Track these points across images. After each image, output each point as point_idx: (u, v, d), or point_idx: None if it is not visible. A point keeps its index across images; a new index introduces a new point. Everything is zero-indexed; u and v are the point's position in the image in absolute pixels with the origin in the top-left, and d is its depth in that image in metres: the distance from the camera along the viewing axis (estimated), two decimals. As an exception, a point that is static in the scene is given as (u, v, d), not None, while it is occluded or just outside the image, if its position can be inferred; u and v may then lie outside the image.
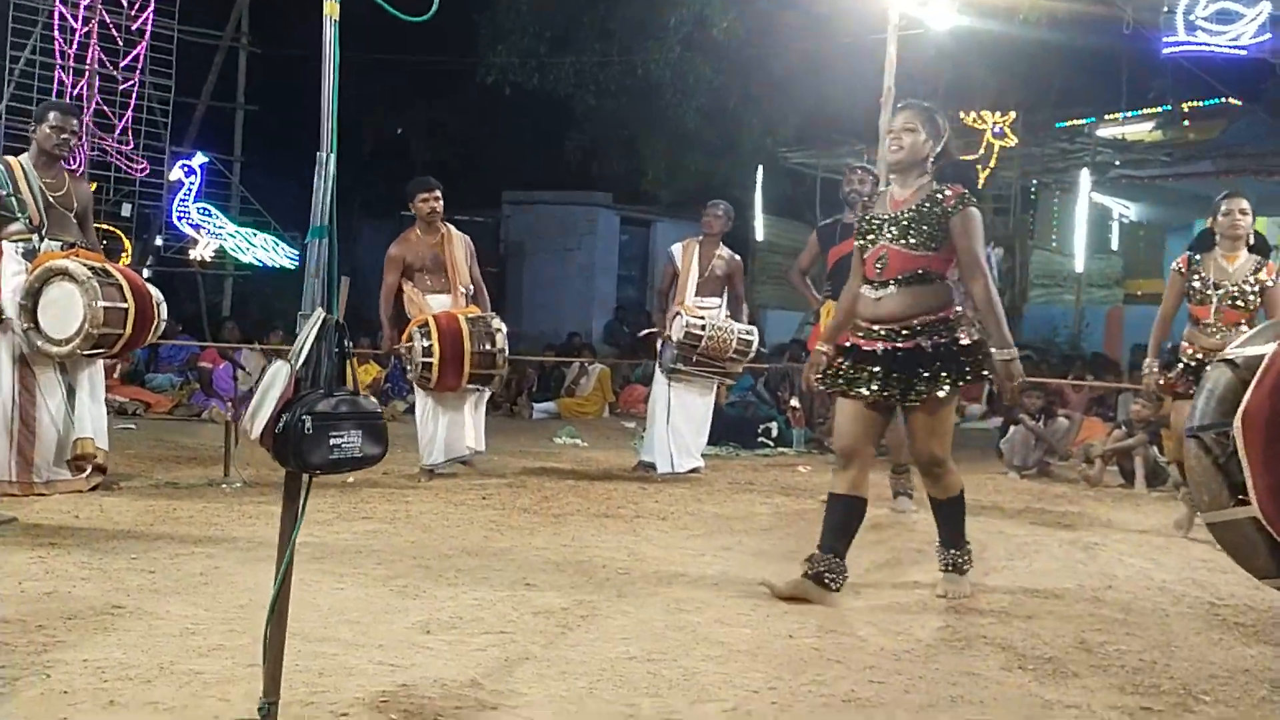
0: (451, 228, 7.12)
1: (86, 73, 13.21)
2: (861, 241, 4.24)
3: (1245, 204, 5.67)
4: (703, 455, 7.84)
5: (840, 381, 4.20)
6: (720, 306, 7.54)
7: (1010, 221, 16.68)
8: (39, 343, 5.37)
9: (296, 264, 17.49)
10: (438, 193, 7.01)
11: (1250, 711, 3.07)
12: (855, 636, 3.66)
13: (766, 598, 4.15)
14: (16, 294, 5.37)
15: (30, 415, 5.43)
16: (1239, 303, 5.59)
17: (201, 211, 15.43)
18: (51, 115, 5.69)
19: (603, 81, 17.71)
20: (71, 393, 5.62)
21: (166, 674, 2.89)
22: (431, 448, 6.88)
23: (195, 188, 15.10)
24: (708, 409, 7.72)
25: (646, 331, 8.32)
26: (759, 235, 18.49)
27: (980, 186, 13.74)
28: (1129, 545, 5.65)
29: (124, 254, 14.01)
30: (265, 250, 16.86)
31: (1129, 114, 17.26)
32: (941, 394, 4.04)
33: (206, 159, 15.49)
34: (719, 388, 10.24)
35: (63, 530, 4.74)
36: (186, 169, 14.90)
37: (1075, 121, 17.17)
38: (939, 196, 4.08)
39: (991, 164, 15.84)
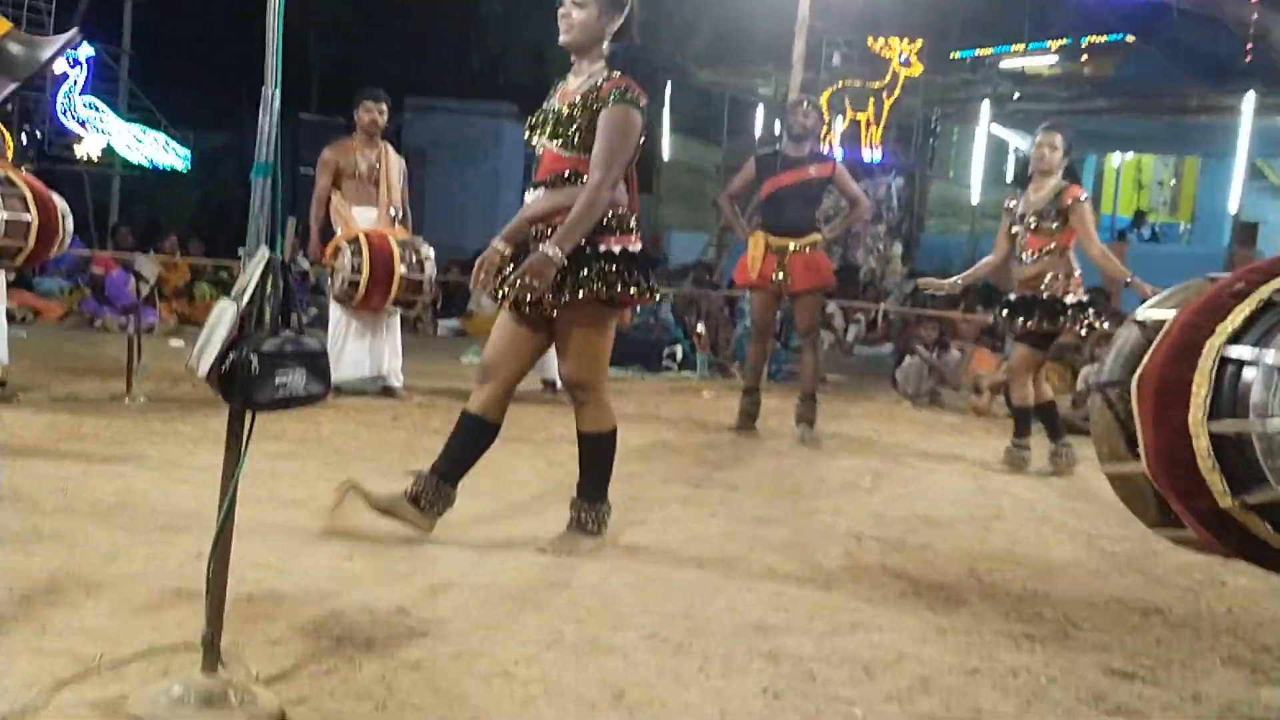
0: (389, 146, 7.05)
1: (-38, -47, 12.46)
2: (528, 136, 3.79)
3: (1057, 139, 5.87)
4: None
5: (502, 289, 3.69)
6: None
7: (911, 151, 17.00)
8: (-67, 253, 5.18)
9: (188, 164, 16.93)
10: (383, 105, 6.95)
11: (1124, 637, 3.34)
12: (763, 564, 3.84)
13: (679, 522, 4.32)
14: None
15: (-73, 327, 5.27)
16: (1039, 226, 5.81)
17: (88, 106, 14.79)
18: None
19: (511, -15, 17.39)
20: (-31, 305, 5.48)
21: (95, 600, 2.91)
22: (340, 364, 6.84)
23: (81, 81, 14.45)
24: None
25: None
26: (665, 154, 18.49)
27: (884, 114, 13.70)
28: (1015, 476, 5.97)
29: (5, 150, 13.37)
30: (155, 149, 16.27)
31: (1030, 46, 17.63)
32: (564, 301, 3.55)
33: (93, 51, 14.80)
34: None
35: (-36, 446, 4.64)
36: (72, 60, 14.22)
37: (979, 52, 17.49)
38: (599, 89, 3.57)
39: (896, 92, 16.06)
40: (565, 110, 3.62)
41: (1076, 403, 8.22)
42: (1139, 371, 2.45)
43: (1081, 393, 8.23)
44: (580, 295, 3.56)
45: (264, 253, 2.26)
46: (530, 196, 3.74)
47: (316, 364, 2.38)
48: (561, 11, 3.64)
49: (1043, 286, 5.83)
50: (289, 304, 2.31)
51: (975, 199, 17.21)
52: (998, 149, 18.97)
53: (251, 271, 2.24)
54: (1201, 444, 2.33)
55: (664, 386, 8.97)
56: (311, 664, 2.62)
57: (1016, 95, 17.58)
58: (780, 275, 6.68)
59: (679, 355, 9.86)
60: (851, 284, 14.82)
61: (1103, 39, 17.81)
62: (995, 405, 8.49)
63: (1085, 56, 18.46)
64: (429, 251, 6.86)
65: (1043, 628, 3.39)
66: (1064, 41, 18.04)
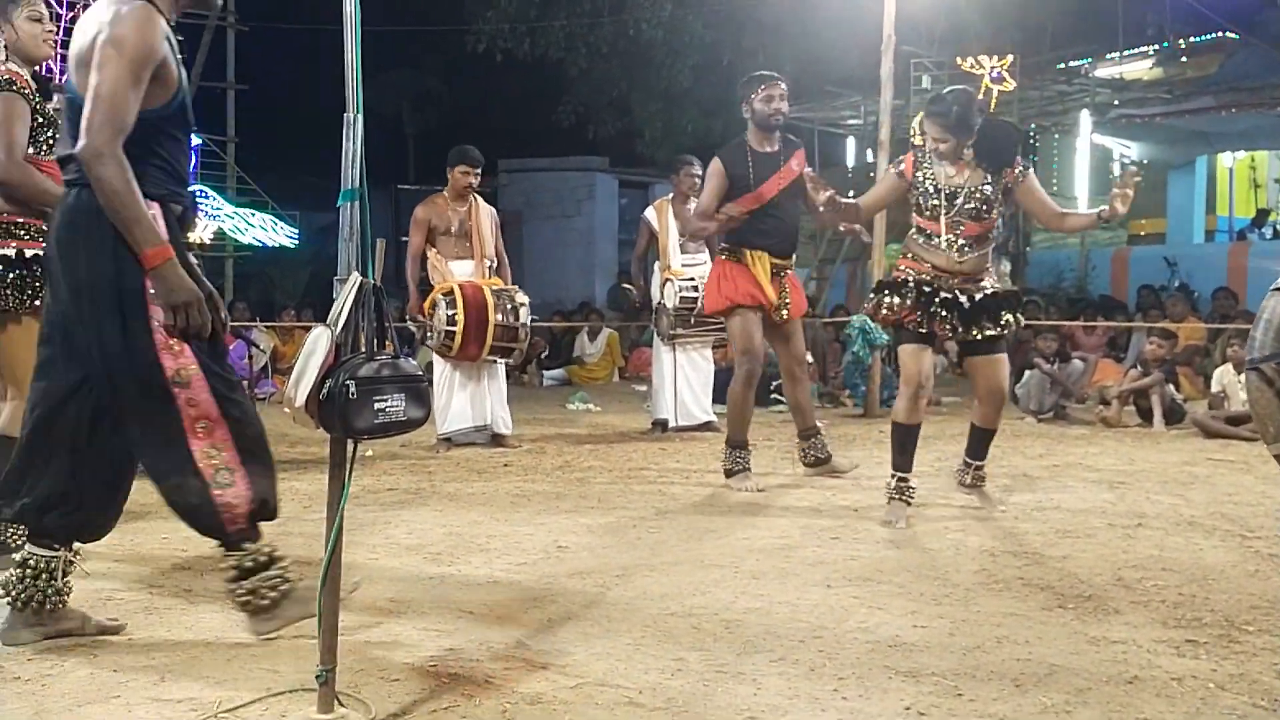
0: (479, 198, 7.10)
1: (75, 57, 13.09)
2: None
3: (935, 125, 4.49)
4: (716, 414, 7.89)
5: None
6: (707, 261, 7.61)
7: (1011, 167, 16.56)
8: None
9: (296, 242, 17.44)
10: (478, 169, 7.01)
11: (1296, 639, 3.06)
12: (893, 584, 3.66)
13: (800, 548, 4.15)
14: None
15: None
16: (981, 212, 4.53)
17: (198, 193, 15.36)
18: None
19: (594, 43, 17.55)
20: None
21: (212, 649, 2.89)
22: (448, 416, 6.87)
23: (190, 170, 15.04)
24: (710, 366, 7.82)
25: (625, 287, 8.33)
26: (759, 193, 18.37)
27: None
28: (1154, 483, 5.65)
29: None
30: (264, 230, 16.81)
31: (1126, 52, 17.10)
32: None
33: (199, 140, 15.39)
34: (727, 346, 10.26)
35: (90, 514, 4.71)
36: (181, 152, 14.80)
37: (1073, 62, 17.01)
38: None
39: (991, 108, 15.69)
40: None
41: (1213, 405, 7.80)
42: (1294, 338, 2.23)
43: (1217, 395, 7.81)
44: None
45: (355, 278, 2.21)
46: None
47: (416, 388, 2.32)
48: None
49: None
50: (384, 328, 2.25)
51: (1082, 210, 16.66)
52: (1101, 158, 18.38)
53: (344, 297, 2.20)
54: None
55: (774, 419, 8.80)
56: (430, 701, 2.53)
57: (1116, 102, 17.04)
58: (783, 299, 5.50)
59: (787, 388, 9.66)
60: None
61: (1201, 38, 17.20)
62: (1124, 415, 8.10)
63: (1185, 58, 17.82)
64: (524, 298, 6.85)
65: (1204, 633, 3.13)
66: (1162, 45, 17.47)
